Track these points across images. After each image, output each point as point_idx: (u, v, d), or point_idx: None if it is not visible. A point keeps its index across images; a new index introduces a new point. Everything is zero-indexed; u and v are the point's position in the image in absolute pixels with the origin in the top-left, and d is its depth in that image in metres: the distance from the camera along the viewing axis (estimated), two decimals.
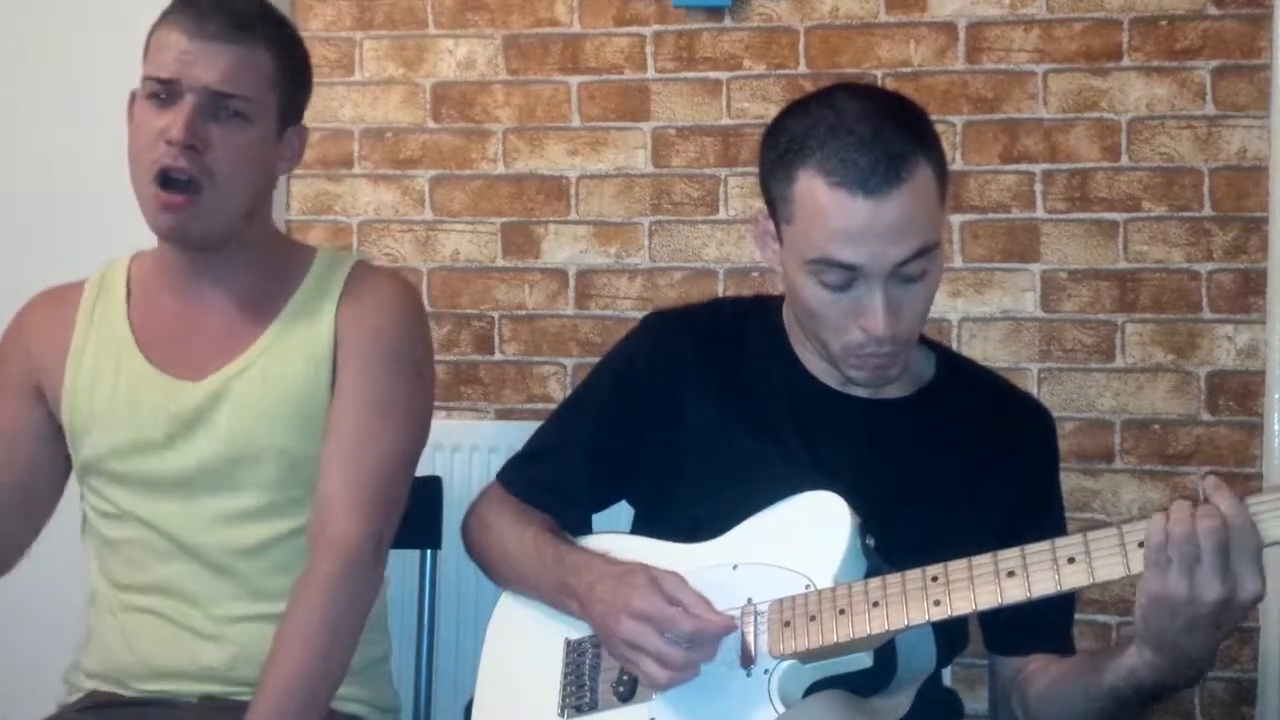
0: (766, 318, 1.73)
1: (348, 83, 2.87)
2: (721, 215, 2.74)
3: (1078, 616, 1.74)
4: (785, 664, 1.48)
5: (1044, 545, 1.38)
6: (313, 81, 1.80)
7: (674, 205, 2.76)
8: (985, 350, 2.63)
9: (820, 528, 1.52)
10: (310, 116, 1.80)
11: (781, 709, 1.45)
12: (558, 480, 1.75)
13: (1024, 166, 2.64)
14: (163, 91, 1.66)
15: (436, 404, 1.86)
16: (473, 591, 2.25)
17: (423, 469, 1.82)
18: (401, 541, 1.79)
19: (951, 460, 1.63)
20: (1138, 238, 2.61)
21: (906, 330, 1.55)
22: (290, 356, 1.72)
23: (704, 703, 1.50)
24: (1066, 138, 2.63)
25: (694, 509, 1.64)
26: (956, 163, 2.62)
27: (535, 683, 1.63)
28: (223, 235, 1.71)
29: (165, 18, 1.69)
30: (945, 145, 1.60)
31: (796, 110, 1.58)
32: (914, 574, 1.43)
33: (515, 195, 2.82)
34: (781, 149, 1.55)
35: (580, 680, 1.59)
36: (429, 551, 2.01)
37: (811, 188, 1.51)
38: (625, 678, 1.55)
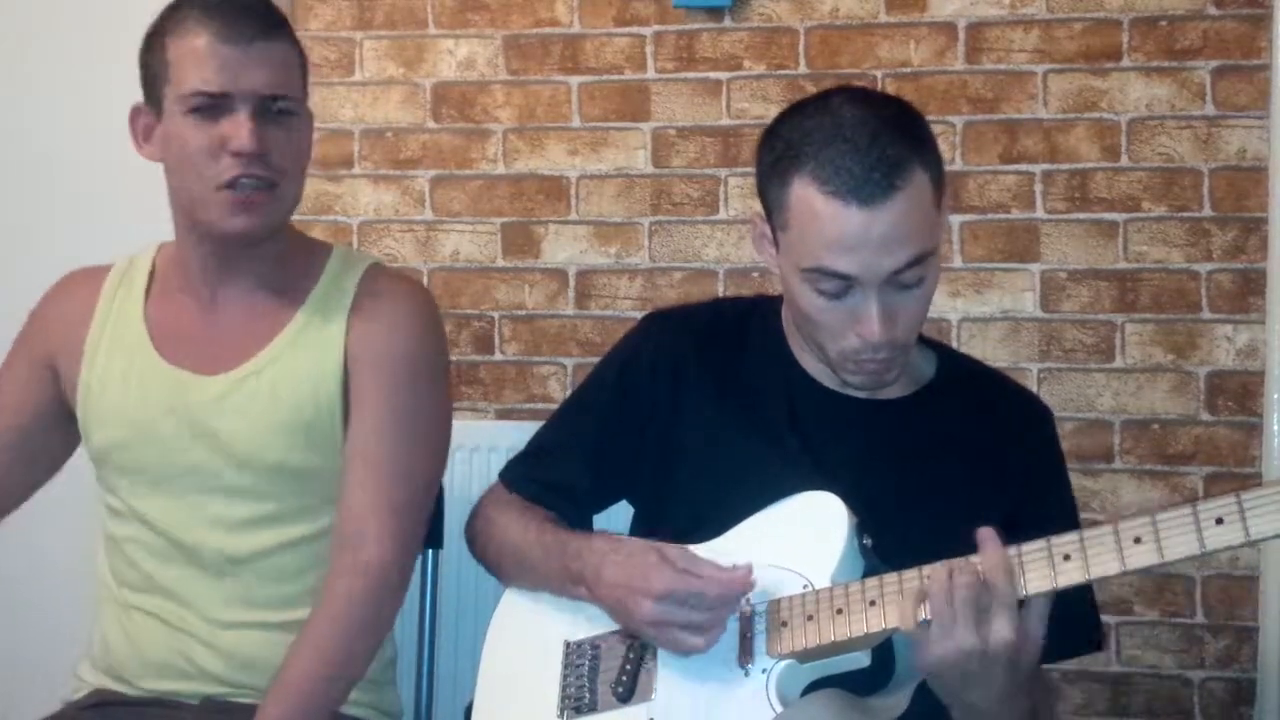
0: (766, 318, 1.73)
1: (348, 83, 2.87)
2: (721, 215, 2.74)
3: None
4: (783, 663, 1.48)
5: (1040, 543, 1.38)
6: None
7: (674, 205, 2.76)
8: (985, 350, 2.63)
9: (818, 528, 1.53)
10: None
11: (779, 708, 1.46)
12: (560, 479, 1.75)
13: (1024, 167, 2.64)
14: (207, 104, 1.63)
15: None
16: (474, 592, 2.24)
17: None
18: None
19: (950, 460, 1.62)
20: (1137, 238, 2.61)
21: (903, 336, 1.55)
22: (298, 370, 1.72)
23: (702, 702, 1.50)
24: (1066, 138, 2.63)
25: (693, 508, 1.64)
26: (956, 163, 2.62)
27: (535, 683, 1.63)
28: (283, 224, 1.74)
29: (183, 25, 1.65)
30: (945, 146, 1.60)
31: (792, 115, 1.57)
32: (911, 574, 1.44)
33: (515, 195, 2.82)
34: (777, 154, 1.54)
35: (580, 681, 1.60)
36: (430, 551, 2.01)
37: (806, 195, 1.50)
38: (624, 678, 1.56)
